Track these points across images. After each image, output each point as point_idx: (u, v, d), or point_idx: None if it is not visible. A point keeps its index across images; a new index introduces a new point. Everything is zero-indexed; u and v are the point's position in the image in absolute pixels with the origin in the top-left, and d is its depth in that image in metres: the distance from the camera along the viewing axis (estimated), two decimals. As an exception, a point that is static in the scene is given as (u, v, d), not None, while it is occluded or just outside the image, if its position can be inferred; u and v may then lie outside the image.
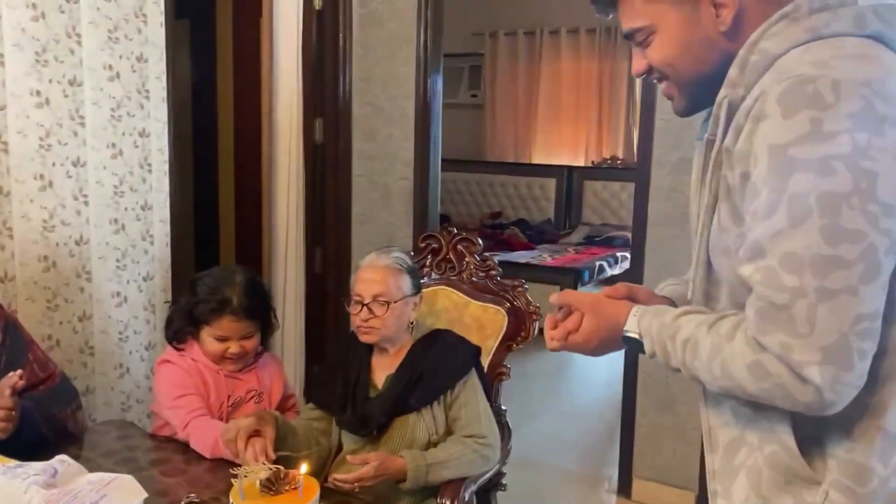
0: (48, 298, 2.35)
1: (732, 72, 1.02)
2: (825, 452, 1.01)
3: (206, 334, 1.91)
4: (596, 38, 6.40)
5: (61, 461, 1.36)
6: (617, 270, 5.47)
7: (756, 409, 1.04)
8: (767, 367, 0.94)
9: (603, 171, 6.43)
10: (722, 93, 1.03)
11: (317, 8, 3.37)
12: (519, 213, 6.61)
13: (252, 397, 1.97)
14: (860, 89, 0.91)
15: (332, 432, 1.88)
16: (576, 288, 5.22)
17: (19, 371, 1.58)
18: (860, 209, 0.89)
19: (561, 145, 6.71)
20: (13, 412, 1.52)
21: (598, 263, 5.42)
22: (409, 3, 3.30)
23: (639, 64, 1.13)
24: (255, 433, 1.61)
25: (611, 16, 1.16)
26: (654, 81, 1.17)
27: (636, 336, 1.10)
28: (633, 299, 1.17)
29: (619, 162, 6.41)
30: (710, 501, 1.16)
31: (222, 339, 1.90)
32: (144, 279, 2.64)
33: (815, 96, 0.91)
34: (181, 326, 1.95)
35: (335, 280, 3.53)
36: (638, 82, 5.52)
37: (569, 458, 3.45)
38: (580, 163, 6.61)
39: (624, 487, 3.10)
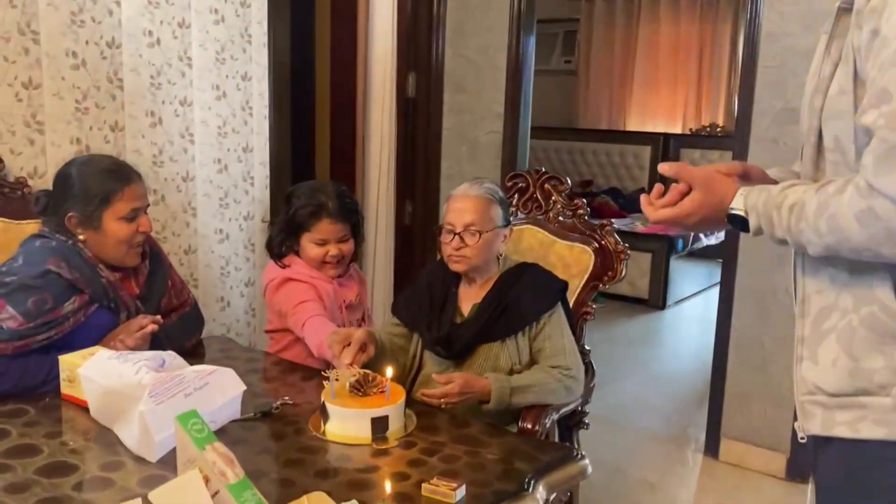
0: (157, 231, 2.48)
1: None
2: None
3: (307, 240, 2.08)
4: (695, 2, 6.19)
5: (169, 354, 1.46)
6: (713, 241, 5.31)
7: (853, 273, 1.10)
8: (878, 211, 0.99)
9: (702, 138, 6.23)
10: None
11: (413, -38, 3.40)
12: (611, 181, 6.50)
13: (357, 300, 2.14)
14: None
15: (409, 349, 1.94)
16: (668, 258, 5.12)
17: (158, 318, 1.72)
18: None
19: (657, 112, 6.54)
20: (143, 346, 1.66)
21: (692, 233, 5.28)
22: (504, -43, 3.29)
23: None
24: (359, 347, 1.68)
25: None
26: None
27: (741, 213, 1.15)
28: (745, 177, 1.23)
29: (718, 129, 6.20)
30: (795, 366, 1.19)
31: (322, 243, 2.07)
32: (245, 218, 2.76)
33: None
34: (282, 239, 2.10)
35: (423, 233, 3.59)
36: (740, 44, 5.31)
37: (654, 419, 3.40)
38: (677, 130, 6.42)
39: (711, 447, 3.04)
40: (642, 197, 1.27)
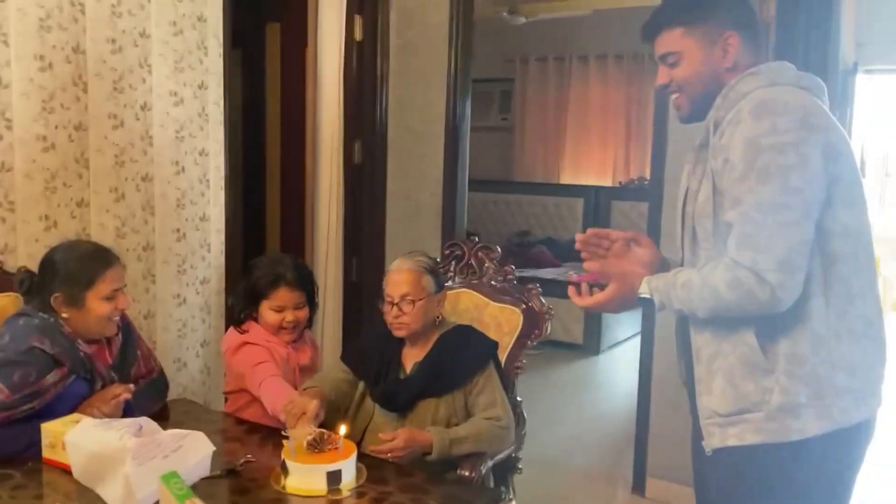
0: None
1: (718, 101, 1.56)
2: (776, 350, 1.48)
3: (266, 307, 2.29)
4: (623, 63, 6.66)
5: (145, 420, 1.65)
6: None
7: (728, 327, 1.51)
8: (740, 278, 1.42)
9: (630, 191, 6.62)
10: (711, 113, 1.57)
11: (357, 39, 3.68)
12: (547, 231, 6.83)
13: (311, 362, 2.36)
14: (800, 108, 1.46)
15: (354, 395, 2.14)
16: (601, 303, 5.43)
17: (130, 387, 1.90)
18: (800, 174, 1.41)
19: (589, 166, 6.94)
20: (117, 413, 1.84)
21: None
22: (441, 34, 3.59)
23: (663, 77, 1.63)
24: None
25: (650, 42, 1.63)
26: (669, 94, 1.66)
27: (648, 296, 1.56)
28: (636, 242, 1.71)
29: (646, 182, 6.61)
30: (697, 400, 1.61)
31: (280, 309, 2.28)
32: (202, 283, 2.94)
33: (773, 109, 1.45)
34: (243, 307, 2.32)
35: (370, 287, 3.81)
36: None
37: (587, 458, 3.66)
38: (608, 183, 6.83)
39: (638, 485, 3.29)
40: (570, 288, 1.67)
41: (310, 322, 2.43)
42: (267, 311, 2.30)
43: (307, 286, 2.34)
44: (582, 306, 1.64)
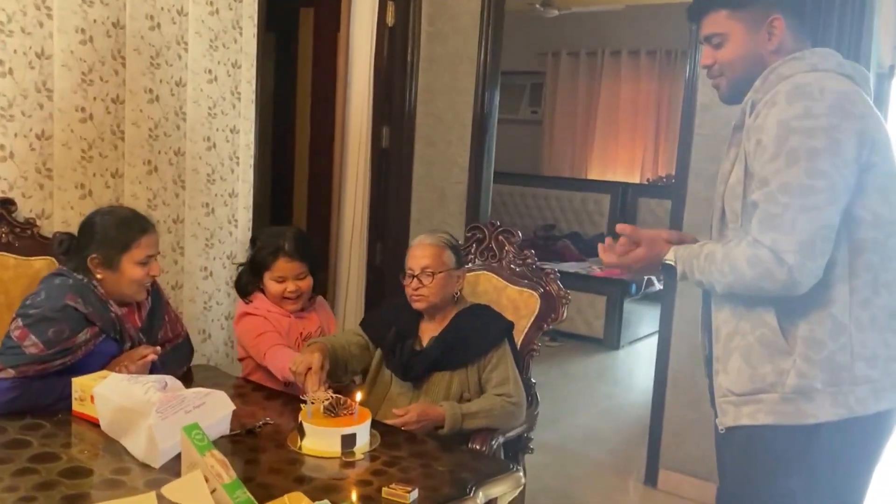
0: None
1: (757, 83, 1.57)
2: (795, 333, 1.50)
3: (268, 278, 2.34)
4: (656, 59, 6.64)
5: (170, 378, 1.72)
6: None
7: (748, 306, 1.54)
8: (760, 257, 1.44)
9: (658, 188, 6.61)
10: (749, 95, 1.58)
11: (389, 25, 3.73)
12: (573, 226, 6.84)
13: (319, 332, 2.39)
14: (836, 94, 1.46)
15: (364, 360, 2.20)
16: (622, 300, 5.45)
17: (157, 349, 1.98)
18: (829, 159, 1.42)
19: (617, 163, 6.94)
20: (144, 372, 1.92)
21: (646, 277, 5.62)
22: (472, 23, 3.63)
23: (708, 58, 1.64)
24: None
25: (696, 22, 1.65)
26: (712, 77, 1.66)
27: (672, 263, 1.61)
28: (680, 241, 1.70)
29: (673, 180, 6.58)
30: (712, 380, 1.64)
31: (281, 280, 2.33)
32: (228, 257, 3.02)
33: (809, 93, 1.45)
34: (248, 279, 2.38)
35: (393, 271, 3.86)
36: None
37: (602, 448, 3.68)
38: (635, 180, 6.81)
39: (651, 477, 3.31)
40: (600, 245, 1.70)
41: (323, 289, 2.47)
42: (269, 282, 2.35)
43: (307, 257, 2.37)
44: (608, 263, 1.68)
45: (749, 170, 1.51)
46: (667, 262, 1.62)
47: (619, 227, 1.66)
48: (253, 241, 2.44)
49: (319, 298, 2.51)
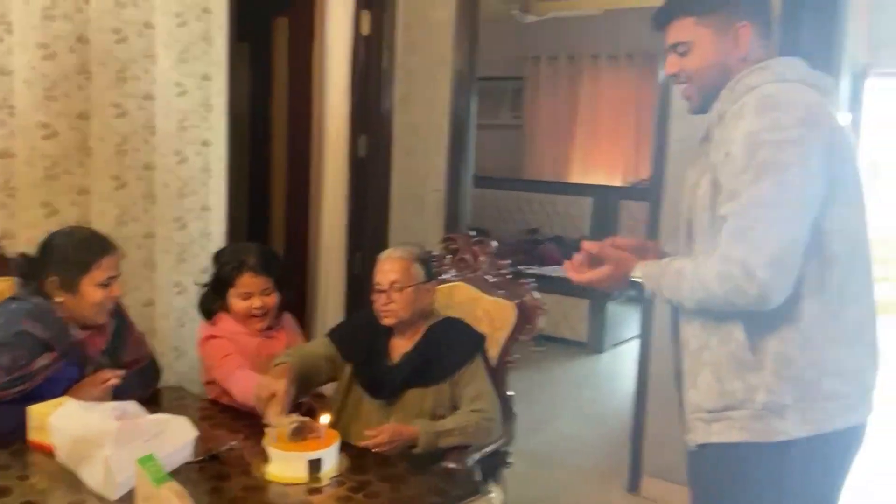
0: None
1: (724, 93, 1.54)
2: (765, 349, 1.47)
3: (233, 295, 2.26)
4: (634, 63, 6.64)
5: (131, 404, 1.67)
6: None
7: (717, 321, 1.50)
8: (730, 272, 1.40)
9: (638, 190, 6.59)
10: (716, 105, 1.55)
11: (364, 34, 3.70)
12: (555, 230, 6.82)
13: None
14: (803, 105, 1.44)
15: (329, 373, 2.15)
16: (605, 303, 5.43)
17: (120, 373, 1.92)
18: (799, 172, 1.39)
19: (598, 166, 6.92)
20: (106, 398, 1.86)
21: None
22: (447, 31, 3.61)
23: (673, 66, 1.61)
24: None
25: (662, 30, 1.62)
26: (678, 84, 1.63)
27: (640, 280, 1.57)
28: (643, 248, 1.68)
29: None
30: (683, 394, 1.60)
31: (246, 297, 2.25)
32: (202, 272, 2.96)
33: (777, 105, 1.43)
34: (212, 298, 2.30)
35: (372, 282, 3.82)
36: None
37: (584, 455, 3.65)
38: (616, 183, 6.80)
39: (633, 484, 3.29)
40: (566, 263, 1.66)
41: (296, 306, 2.42)
42: (234, 300, 2.27)
43: (273, 271, 2.30)
44: (575, 280, 1.63)
45: (717, 181, 1.48)
46: (635, 278, 1.58)
47: (586, 246, 1.63)
48: (216, 257, 2.37)
49: (287, 316, 2.44)
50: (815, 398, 1.46)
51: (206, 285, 2.39)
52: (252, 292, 2.26)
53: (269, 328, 2.33)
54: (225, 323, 2.29)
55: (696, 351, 1.56)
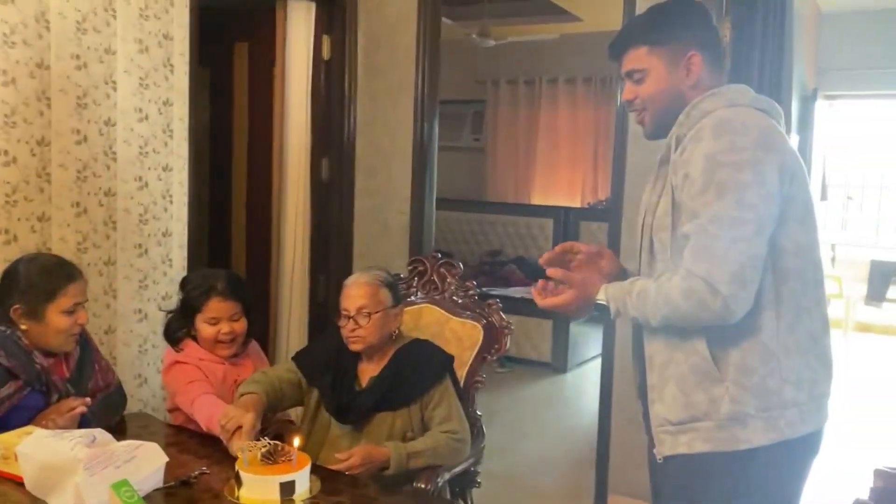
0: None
1: (681, 118, 1.61)
2: (727, 360, 1.53)
3: (200, 321, 2.25)
4: (592, 86, 6.79)
5: (99, 431, 1.65)
6: (609, 306, 5.73)
7: (681, 336, 1.56)
8: (694, 288, 1.47)
9: (598, 211, 6.72)
10: (673, 130, 1.62)
11: (325, 58, 3.73)
12: (518, 251, 6.90)
13: None
14: (757, 129, 1.53)
15: (294, 397, 2.15)
16: (568, 324, 5.49)
17: (86, 400, 1.90)
18: (756, 191, 1.47)
19: (559, 187, 7.04)
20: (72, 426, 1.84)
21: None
22: (408, 55, 3.65)
23: (629, 94, 1.69)
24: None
25: (617, 59, 1.69)
26: (634, 110, 1.71)
27: (604, 302, 1.63)
28: (600, 255, 1.78)
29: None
30: (646, 408, 1.65)
31: (214, 322, 2.24)
32: (163, 298, 2.94)
33: (733, 128, 1.51)
34: (178, 324, 2.28)
35: (337, 306, 3.81)
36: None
37: (551, 474, 3.69)
38: (576, 204, 6.92)
39: (599, 502, 3.32)
40: (532, 289, 1.70)
41: (261, 334, 2.41)
42: (202, 325, 2.25)
43: (241, 297, 2.29)
44: (541, 305, 1.68)
45: (677, 202, 1.55)
46: (599, 301, 1.64)
47: (550, 273, 1.67)
48: (183, 283, 2.35)
49: (253, 343, 2.42)
50: (775, 406, 1.52)
51: (171, 312, 2.37)
52: (220, 317, 2.24)
53: (235, 355, 2.31)
54: (191, 349, 2.27)
55: (660, 366, 1.62)
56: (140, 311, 2.86)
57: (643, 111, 1.69)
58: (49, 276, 1.90)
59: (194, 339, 2.29)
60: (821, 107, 6.09)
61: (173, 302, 2.95)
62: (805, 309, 1.55)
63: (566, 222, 6.76)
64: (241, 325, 2.29)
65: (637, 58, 1.66)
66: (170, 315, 2.36)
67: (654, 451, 1.64)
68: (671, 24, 1.65)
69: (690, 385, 1.55)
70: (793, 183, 1.53)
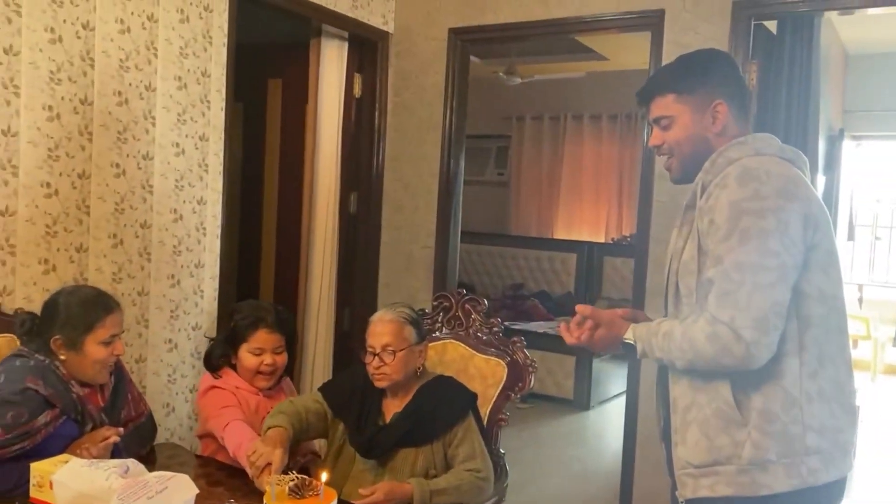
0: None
1: (707, 165, 1.65)
2: (750, 406, 1.55)
3: (244, 350, 2.31)
4: (617, 123, 6.84)
5: (132, 462, 1.69)
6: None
7: (704, 380, 1.59)
8: (718, 333, 1.50)
9: (622, 247, 6.73)
10: (699, 176, 1.66)
11: (356, 95, 3.82)
12: (540, 285, 6.91)
13: None
14: (782, 178, 1.56)
15: (320, 428, 2.18)
16: (591, 360, 5.47)
17: (119, 430, 1.95)
18: (779, 239, 1.50)
19: (582, 223, 7.07)
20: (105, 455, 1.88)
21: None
22: (437, 93, 3.73)
23: (657, 139, 1.74)
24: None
25: (645, 106, 1.75)
26: (661, 155, 1.76)
27: (631, 341, 1.68)
28: (634, 319, 1.76)
29: (634, 242, 6.71)
30: (669, 451, 1.67)
31: (259, 353, 2.30)
32: (193, 329, 3.00)
33: (757, 177, 1.54)
34: (221, 352, 2.35)
35: (361, 338, 3.84)
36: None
37: (572, 515, 3.66)
38: (600, 239, 6.93)
39: (622, 542, 3.30)
40: (561, 325, 1.76)
41: (288, 371, 2.45)
42: (245, 355, 2.32)
43: (287, 330, 2.37)
44: (570, 343, 1.73)
45: (702, 247, 1.59)
46: (626, 340, 1.68)
47: (580, 309, 1.72)
48: (231, 313, 2.42)
49: (286, 379, 2.48)
50: (798, 453, 1.53)
51: (214, 339, 2.42)
52: (265, 349, 2.31)
53: (270, 388, 2.37)
54: (229, 377, 2.34)
55: (684, 409, 1.63)
56: (170, 340, 2.92)
57: (670, 157, 1.73)
58: (88, 308, 1.96)
59: (233, 367, 2.34)
60: (847, 147, 6.09)
61: (202, 332, 3.02)
62: (829, 356, 1.57)
63: (590, 257, 6.77)
64: (282, 359, 2.35)
65: (664, 105, 1.71)
66: (212, 342, 2.42)
67: (677, 493, 1.66)
68: (698, 74, 1.70)
69: (713, 429, 1.57)
70: (816, 231, 1.55)
